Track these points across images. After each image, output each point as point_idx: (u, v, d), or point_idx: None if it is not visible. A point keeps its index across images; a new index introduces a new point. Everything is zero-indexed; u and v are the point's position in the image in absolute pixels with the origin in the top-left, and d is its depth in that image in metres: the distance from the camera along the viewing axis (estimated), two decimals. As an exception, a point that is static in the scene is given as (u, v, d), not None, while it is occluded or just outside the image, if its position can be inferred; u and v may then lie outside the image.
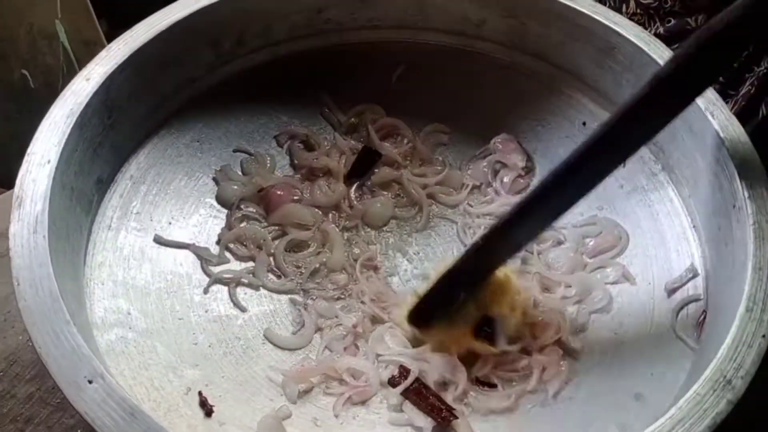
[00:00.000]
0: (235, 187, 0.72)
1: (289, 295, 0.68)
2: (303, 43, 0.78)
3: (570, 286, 0.66)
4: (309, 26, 0.77)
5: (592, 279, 0.66)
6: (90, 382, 0.43)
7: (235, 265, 0.69)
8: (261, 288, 0.68)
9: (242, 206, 0.72)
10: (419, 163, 0.79)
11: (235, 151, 0.75)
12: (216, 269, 0.67)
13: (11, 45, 1.31)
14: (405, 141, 0.79)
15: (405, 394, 0.60)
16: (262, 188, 0.73)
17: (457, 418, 0.58)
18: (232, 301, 0.66)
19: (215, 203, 0.72)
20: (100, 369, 0.43)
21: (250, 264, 0.69)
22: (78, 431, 0.66)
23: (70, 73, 1.38)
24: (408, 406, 0.59)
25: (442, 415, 0.58)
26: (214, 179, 0.73)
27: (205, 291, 0.65)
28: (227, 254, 0.69)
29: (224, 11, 0.69)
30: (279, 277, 0.69)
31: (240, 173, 0.74)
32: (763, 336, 0.47)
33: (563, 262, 0.67)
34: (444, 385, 0.61)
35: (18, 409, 0.67)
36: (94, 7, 1.34)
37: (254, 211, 0.72)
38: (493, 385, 0.61)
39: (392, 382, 0.61)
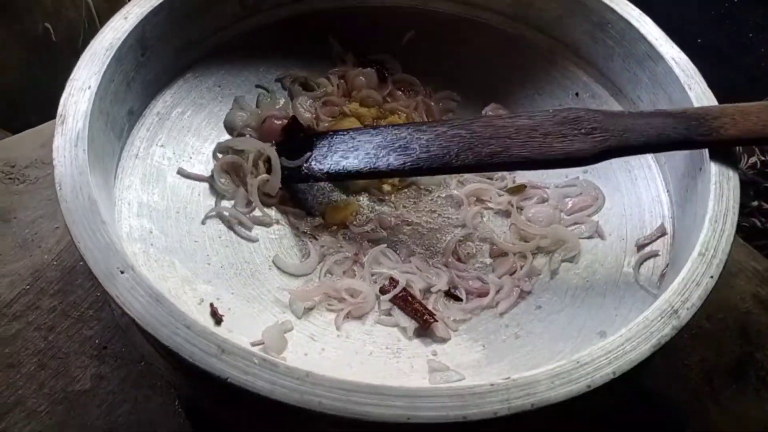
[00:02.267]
0: (241, 113, 0.79)
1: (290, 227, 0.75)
2: (322, 3, 0.83)
3: (545, 237, 0.73)
4: (329, -14, 0.83)
5: (565, 231, 0.73)
6: (122, 272, 0.49)
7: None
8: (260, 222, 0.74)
9: (244, 132, 0.78)
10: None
11: (257, 86, 0.82)
12: (227, 203, 0.74)
13: (37, -1, 1.36)
14: (418, 96, 0.86)
15: (393, 300, 0.68)
16: (264, 119, 0.79)
17: (436, 321, 0.66)
18: (238, 231, 0.72)
19: (231, 142, 0.78)
20: (130, 261, 0.50)
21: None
22: (96, 341, 0.72)
23: (91, 29, 1.42)
24: (396, 311, 0.67)
25: (424, 318, 0.66)
26: (232, 110, 0.80)
27: (219, 219, 0.72)
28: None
29: (251, -33, 0.75)
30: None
31: (254, 106, 0.81)
32: (711, 277, 0.53)
33: (542, 217, 0.74)
34: (428, 291, 0.70)
35: (42, 319, 0.73)
36: (118, -34, 1.39)
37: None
38: (459, 299, 0.70)
39: (383, 290, 0.69)
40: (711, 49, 1.47)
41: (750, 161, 1.14)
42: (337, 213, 0.75)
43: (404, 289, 0.68)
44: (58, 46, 1.42)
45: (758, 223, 1.10)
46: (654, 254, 0.66)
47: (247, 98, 0.81)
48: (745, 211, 1.13)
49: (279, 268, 0.70)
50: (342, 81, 0.85)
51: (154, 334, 0.46)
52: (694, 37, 1.49)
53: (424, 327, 0.65)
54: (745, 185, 1.06)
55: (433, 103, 0.86)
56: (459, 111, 0.87)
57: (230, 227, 0.72)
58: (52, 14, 1.39)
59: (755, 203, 1.13)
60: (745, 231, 1.07)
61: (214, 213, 0.72)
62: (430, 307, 0.67)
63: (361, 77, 0.84)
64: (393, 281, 0.68)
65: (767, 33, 1.40)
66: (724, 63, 1.47)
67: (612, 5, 0.74)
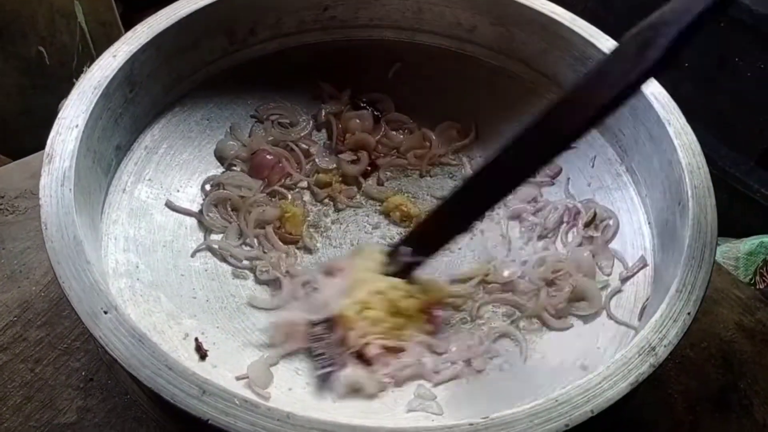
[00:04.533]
0: (232, 143, 0.80)
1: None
2: (309, 36, 0.85)
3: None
4: (316, 21, 0.84)
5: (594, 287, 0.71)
6: (105, 312, 0.50)
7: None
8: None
9: (234, 164, 0.79)
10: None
11: (251, 116, 0.83)
12: (215, 237, 0.74)
13: (31, 22, 1.37)
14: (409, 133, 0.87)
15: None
16: (254, 151, 0.80)
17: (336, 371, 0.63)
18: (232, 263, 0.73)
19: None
20: (114, 302, 0.50)
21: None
22: (82, 373, 0.72)
23: (85, 53, 1.44)
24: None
25: (325, 363, 0.64)
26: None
27: (209, 252, 0.72)
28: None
29: (240, 3, 0.76)
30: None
31: (247, 136, 0.81)
32: (688, 313, 0.54)
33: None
34: None
35: (29, 351, 0.73)
36: (111, -10, 1.41)
37: (239, 169, 0.79)
38: None
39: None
40: (698, 72, 1.49)
41: None
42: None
43: None
44: (52, 70, 1.43)
45: None
46: (618, 290, 0.68)
47: (242, 127, 0.82)
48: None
49: (252, 306, 0.69)
50: (337, 122, 0.85)
51: (136, 374, 0.47)
52: (683, 61, 1.52)
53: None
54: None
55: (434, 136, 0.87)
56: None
57: (223, 259, 0.72)
58: (46, 38, 1.40)
59: None
60: None
61: (204, 246, 0.72)
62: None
63: (356, 119, 0.85)
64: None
65: (753, 57, 1.42)
66: (710, 86, 1.49)
67: (592, 40, 0.75)
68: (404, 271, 0.70)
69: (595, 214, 0.75)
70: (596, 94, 0.55)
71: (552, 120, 0.58)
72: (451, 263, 0.76)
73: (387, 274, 0.70)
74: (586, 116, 0.56)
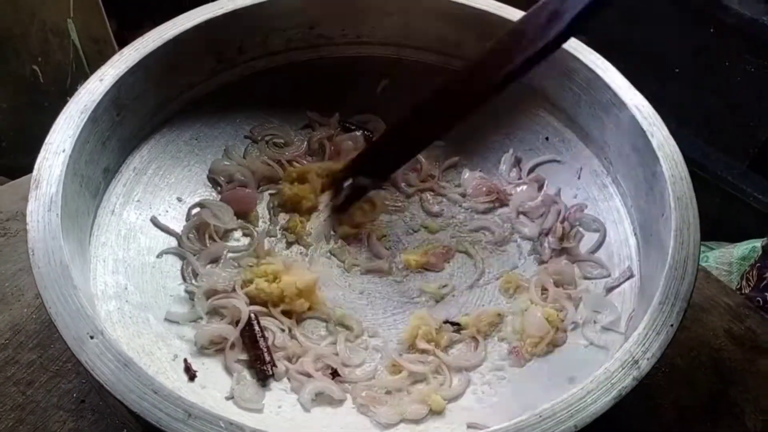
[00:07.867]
0: (227, 163, 0.81)
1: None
2: (297, 54, 0.86)
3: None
4: (303, 40, 0.85)
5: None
6: (92, 337, 0.50)
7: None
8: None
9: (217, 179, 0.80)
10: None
11: (246, 137, 0.84)
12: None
13: (24, 41, 1.37)
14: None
15: (242, 334, 0.66)
16: (232, 185, 0.80)
17: (272, 375, 0.64)
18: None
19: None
20: (101, 326, 0.51)
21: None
22: (74, 395, 0.72)
23: (79, 70, 1.44)
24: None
25: (261, 366, 0.64)
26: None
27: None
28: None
29: (227, 23, 0.77)
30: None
31: (242, 156, 0.82)
32: (671, 325, 0.54)
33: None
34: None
35: (20, 373, 0.72)
36: (105, 7, 1.42)
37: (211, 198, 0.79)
38: None
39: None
40: (688, 77, 1.51)
41: None
42: None
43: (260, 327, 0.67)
44: (46, 88, 1.44)
45: None
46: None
47: (236, 147, 0.83)
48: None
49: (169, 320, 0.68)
50: (330, 145, 0.86)
51: (122, 399, 0.47)
52: (673, 66, 1.53)
53: (259, 376, 0.64)
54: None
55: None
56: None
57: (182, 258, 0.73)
58: (40, 56, 1.41)
59: None
60: None
61: (173, 251, 0.73)
62: None
63: (349, 141, 0.86)
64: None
65: (742, 60, 1.43)
66: (700, 90, 1.50)
67: (576, 54, 0.76)
68: (353, 196, 0.78)
69: (568, 228, 0.77)
70: (509, 55, 0.62)
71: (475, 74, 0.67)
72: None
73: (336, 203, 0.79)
74: (498, 76, 0.63)
